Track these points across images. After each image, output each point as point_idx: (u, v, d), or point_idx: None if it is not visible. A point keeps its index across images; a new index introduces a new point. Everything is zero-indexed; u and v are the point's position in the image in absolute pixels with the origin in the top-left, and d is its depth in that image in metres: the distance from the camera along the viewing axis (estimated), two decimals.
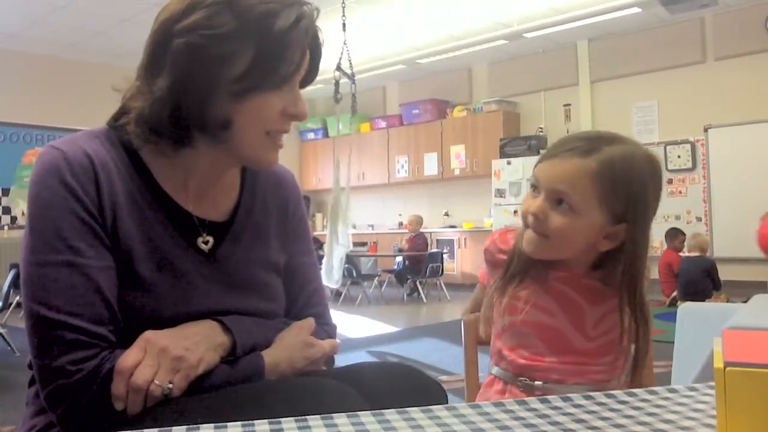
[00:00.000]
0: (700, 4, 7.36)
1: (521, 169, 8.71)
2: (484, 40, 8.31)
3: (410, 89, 10.61)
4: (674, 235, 6.92)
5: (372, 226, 10.82)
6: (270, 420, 0.62)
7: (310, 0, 0.94)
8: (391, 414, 0.63)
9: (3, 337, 5.07)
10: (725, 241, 7.54)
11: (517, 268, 1.08)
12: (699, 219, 7.78)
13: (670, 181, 7.76)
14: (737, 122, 7.56)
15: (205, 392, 0.84)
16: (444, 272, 8.66)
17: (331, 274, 6.40)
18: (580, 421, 0.61)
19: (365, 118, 10.87)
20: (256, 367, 0.90)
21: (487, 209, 9.30)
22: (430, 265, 8.31)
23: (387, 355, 4.90)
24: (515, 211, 8.60)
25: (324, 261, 6.47)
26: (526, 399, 0.69)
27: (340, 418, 0.62)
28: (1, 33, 7.84)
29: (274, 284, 1.04)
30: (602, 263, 1.06)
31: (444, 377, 4.01)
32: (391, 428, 0.59)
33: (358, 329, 6.18)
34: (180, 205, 0.95)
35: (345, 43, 6.25)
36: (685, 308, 2.11)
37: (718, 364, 0.48)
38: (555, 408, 0.66)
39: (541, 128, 9.22)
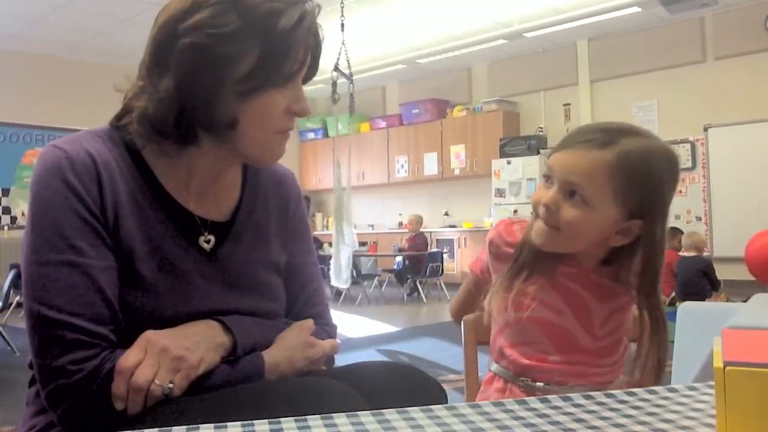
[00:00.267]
0: (699, 3, 7.36)
1: (521, 168, 8.71)
2: (483, 40, 8.31)
3: (410, 89, 10.61)
4: (672, 234, 6.91)
5: (372, 225, 10.82)
6: (270, 420, 0.62)
7: None
8: (390, 414, 0.63)
9: (3, 337, 5.07)
10: (725, 241, 7.54)
11: (525, 261, 1.05)
12: (699, 218, 7.79)
13: None
14: (737, 122, 7.56)
15: (206, 392, 0.84)
16: (444, 272, 8.66)
17: (339, 275, 6.41)
18: (579, 420, 0.61)
19: (365, 117, 10.87)
20: (257, 367, 0.90)
21: (487, 209, 9.30)
22: (430, 264, 8.31)
23: (387, 355, 4.90)
24: (515, 211, 8.60)
25: (332, 262, 6.47)
26: (526, 399, 0.69)
27: (340, 418, 0.62)
28: (0, 33, 7.84)
29: (275, 284, 1.04)
30: (613, 259, 1.04)
31: (444, 377, 4.01)
32: (391, 428, 0.59)
33: (358, 329, 6.18)
34: (181, 204, 0.95)
35: (343, 43, 6.25)
36: (685, 308, 2.11)
37: (718, 363, 0.48)
38: (555, 407, 0.66)
39: (540, 128, 9.22)
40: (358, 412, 0.63)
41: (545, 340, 1.06)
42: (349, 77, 6.33)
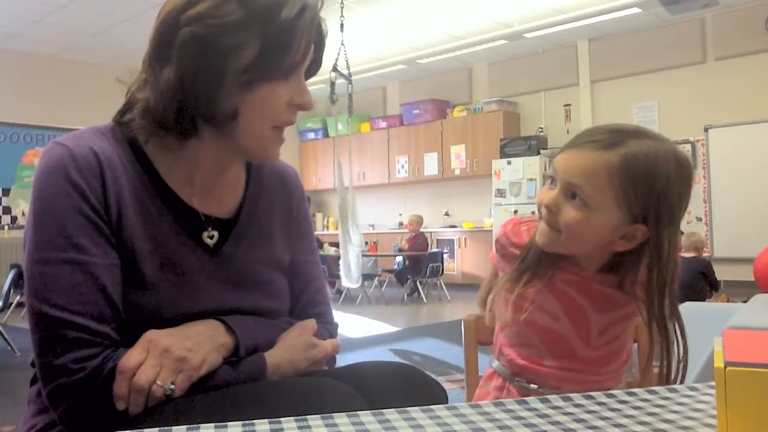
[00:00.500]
0: (700, 4, 7.36)
1: (521, 169, 8.70)
2: (484, 40, 8.31)
3: (410, 89, 10.61)
4: None
5: (372, 226, 10.81)
6: (270, 420, 0.62)
7: None
8: (391, 414, 0.63)
9: (3, 337, 5.07)
10: (725, 241, 7.54)
11: (529, 264, 1.04)
12: (699, 219, 7.78)
13: None
14: (737, 122, 7.56)
15: (207, 393, 0.84)
16: (444, 272, 8.66)
17: (349, 275, 6.41)
18: (580, 420, 0.61)
19: (365, 118, 10.88)
20: (259, 368, 0.90)
21: (488, 209, 9.30)
22: (431, 265, 8.31)
23: (387, 355, 4.90)
24: (515, 211, 8.59)
25: (341, 262, 6.48)
26: (527, 399, 0.68)
27: (341, 418, 0.62)
28: (0, 33, 7.84)
29: (279, 282, 1.04)
30: (619, 266, 1.01)
31: (444, 377, 4.01)
32: (392, 428, 0.59)
33: (358, 329, 6.18)
34: (185, 201, 0.95)
35: (342, 44, 6.25)
36: (685, 308, 2.11)
37: (719, 363, 0.48)
38: (555, 407, 0.66)
39: (541, 128, 9.22)
40: (359, 412, 0.63)
41: (540, 345, 1.06)
42: (348, 77, 6.33)
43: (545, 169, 8.54)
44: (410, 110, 10.39)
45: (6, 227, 8.47)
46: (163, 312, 0.89)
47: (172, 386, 0.82)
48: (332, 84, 6.29)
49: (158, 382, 0.81)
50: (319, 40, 0.95)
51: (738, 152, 7.52)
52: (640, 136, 0.96)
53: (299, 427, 0.59)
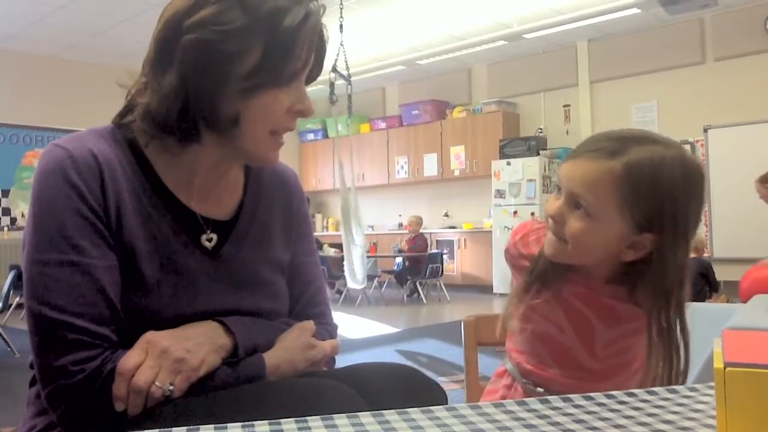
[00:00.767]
0: (699, 4, 7.36)
1: (521, 169, 8.70)
2: (483, 41, 8.32)
3: (410, 90, 10.61)
4: None
5: (372, 226, 10.82)
6: (270, 421, 0.62)
7: None
8: (391, 415, 0.63)
9: (3, 338, 5.07)
10: (725, 242, 7.55)
11: (538, 274, 1.02)
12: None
13: None
14: (737, 123, 7.57)
15: (206, 393, 0.84)
16: (444, 273, 8.67)
17: (354, 276, 6.41)
18: (580, 421, 0.61)
19: (365, 119, 10.88)
20: (258, 368, 0.90)
21: (487, 210, 9.30)
22: (430, 265, 8.31)
23: (387, 356, 4.89)
24: (515, 212, 8.60)
25: (345, 263, 6.47)
26: (526, 399, 0.68)
27: (340, 419, 0.61)
28: (0, 33, 7.84)
29: (279, 283, 1.04)
30: (630, 277, 0.98)
31: (444, 378, 4.01)
32: (391, 429, 0.59)
33: (358, 330, 6.18)
34: (184, 203, 0.95)
35: (341, 44, 6.26)
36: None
37: (718, 364, 0.48)
38: (555, 408, 0.66)
39: (540, 129, 9.22)
40: (359, 413, 0.63)
41: (546, 354, 1.06)
42: (347, 78, 6.33)
43: (545, 170, 8.54)
44: (410, 111, 10.39)
45: (5, 228, 8.47)
46: (163, 313, 0.89)
47: (171, 387, 0.82)
48: (332, 85, 6.29)
49: (157, 383, 0.81)
50: (320, 47, 0.96)
51: (737, 153, 7.53)
52: (645, 142, 0.93)
53: (299, 428, 0.59)
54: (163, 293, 0.89)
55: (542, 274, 1.02)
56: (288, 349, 0.95)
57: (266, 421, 0.61)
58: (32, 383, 0.92)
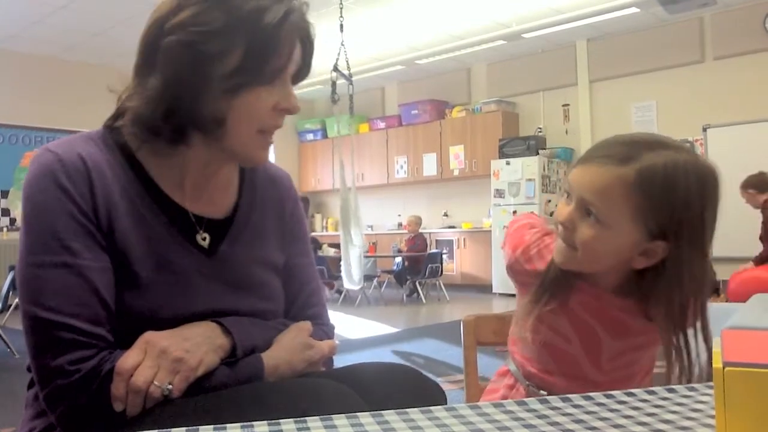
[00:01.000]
0: (698, 3, 7.37)
1: (520, 169, 8.70)
2: (482, 41, 8.32)
3: (409, 90, 10.61)
4: None
5: (371, 226, 10.81)
6: (269, 422, 0.62)
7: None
8: (390, 415, 0.63)
9: (2, 339, 5.06)
10: (724, 242, 7.52)
11: (548, 284, 1.00)
12: None
13: None
14: (736, 122, 7.56)
15: (205, 394, 0.84)
16: (443, 273, 8.66)
17: (350, 276, 6.40)
18: (579, 421, 0.61)
19: (364, 118, 10.88)
20: (256, 369, 0.90)
21: (487, 209, 9.30)
22: (430, 265, 8.31)
23: (386, 356, 4.89)
24: (514, 212, 8.59)
25: (342, 263, 6.47)
26: (526, 400, 0.68)
27: (339, 419, 0.61)
28: (0, 33, 7.83)
29: (274, 284, 1.04)
30: (640, 288, 0.95)
31: (443, 378, 4.01)
32: (390, 429, 0.59)
33: (357, 330, 6.18)
34: (178, 203, 0.95)
35: (342, 44, 6.26)
36: None
37: (717, 364, 0.48)
38: (554, 408, 0.66)
39: (540, 128, 9.22)
40: (358, 414, 0.63)
41: (551, 362, 1.05)
42: (349, 78, 6.33)
43: (544, 169, 8.54)
44: (409, 111, 10.39)
45: (5, 229, 8.47)
46: (159, 313, 0.89)
47: (170, 387, 0.82)
48: (333, 84, 6.29)
49: (156, 383, 0.81)
50: (307, 45, 0.96)
51: (737, 152, 7.52)
52: (657, 148, 0.90)
53: (298, 429, 0.59)
54: (159, 293, 0.90)
55: (552, 284, 1.00)
56: (286, 350, 0.95)
57: (265, 422, 0.61)
58: (30, 385, 0.92)
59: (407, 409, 0.64)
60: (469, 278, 9.34)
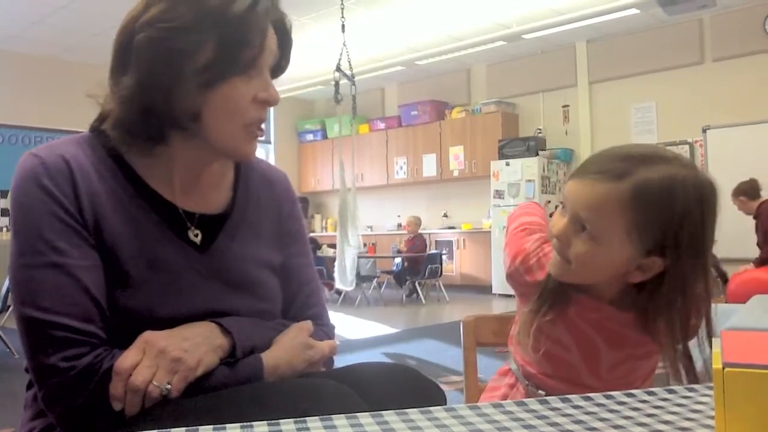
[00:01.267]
0: (698, 5, 7.37)
1: (520, 170, 8.71)
2: (482, 42, 8.32)
3: (409, 90, 10.61)
4: None
5: (371, 227, 10.82)
6: (269, 422, 0.62)
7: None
8: (389, 415, 0.63)
9: (2, 339, 5.07)
10: (724, 242, 7.51)
11: (548, 295, 1.00)
12: None
13: None
14: (736, 123, 7.57)
15: (204, 394, 0.84)
16: (443, 273, 8.66)
17: (344, 277, 6.39)
18: (579, 422, 0.61)
19: (364, 119, 10.87)
20: (256, 369, 0.90)
21: (486, 210, 9.30)
22: (429, 266, 8.31)
23: (386, 357, 4.89)
24: None
25: (336, 264, 6.46)
26: (525, 400, 0.68)
27: (339, 420, 0.61)
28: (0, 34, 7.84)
29: (270, 283, 1.04)
30: (639, 301, 0.95)
31: (443, 378, 4.01)
32: (390, 429, 0.59)
33: (357, 330, 6.18)
34: (168, 200, 0.96)
35: (344, 44, 6.26)
36: None
37: (717, 364, 0.48)
38: (554, 409, 0.66)
39: (539, 129, 9.22)
40: (357, 414, 0.63)
41: (549, 368, 1.05)
42: (351, 78, 6.33)
43: (544, 170, 8.54)
44: (409, 111, 10.39)
45: (5, 229, 8.46)
46: (153, 311, 0.89)
47: (169, 387, 0.82)
48: (336, 84, 6.29)
49: (154, 383, 0.81)
50: (282, 35, 0.96)
51: (736, 153, 7.53)
52: (652, 162, 0.89)
53: (298, 429, 0.59)
54: (151, 291, 0.90)
55: (551, 295, 1.00)
56: (286, 350, 0.95)
57: (265, 422, 0.61)
58: (29, 386, 0.93)
59: (407, 410, 0.64)
60: (468, 279, 9.34)
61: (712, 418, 0.60)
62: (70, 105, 8.66)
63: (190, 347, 0.85)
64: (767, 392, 0.45)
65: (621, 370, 1.02)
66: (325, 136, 11.39)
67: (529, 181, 8.60)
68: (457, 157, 9.79)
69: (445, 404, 0.75)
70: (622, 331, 0.98)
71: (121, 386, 0.81)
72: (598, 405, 0.67)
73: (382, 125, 10.78)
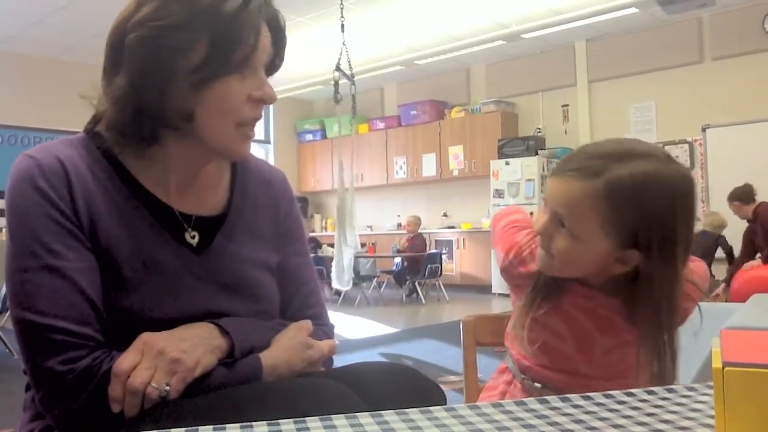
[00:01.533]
0: (697, 4, 7.37)
1: (520, 169, 8.71)
2: (482, 41, 8.32)
3: (408, 90, 10.61)
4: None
5: (371, 227, 10.82)
6: (269, 422, 0.61)
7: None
8: (389, 415, 0.63)
9: (2, 340, 5.06)
10: (729, 243, 7.55)
11: (540, 288, 1.03)
12: (697, 219, 7.78)
13: None
14: (735, 122, 7.57)
15: (203, 395, 0.84)
16: (443, 273, 8.67)
17: (341, 277, 6.39)
18: (578, 421, 0.61)
19: (363, 119, 10.87)
20: (254, 369, 0.90)
21: (486, 210, 9.30)
22: (429, 265, 8.31)
23: (386, 356, 4.89)
24: None
25: (333, 263, 6.46)
26: (525, 399, 0.68)
27: (339, 420, 0.61)
28: None
29: (267, 284, 1.03)
30: (625, 289, 0.98)
31: (443, 378, 4.01)
32: (390, 429, 0.59)
33: (357, 330, 6.18)
34: (164, 202, 0.95)
35: (344, 44, 6.26)
36: None
37: (717, 364, 0.48)
38: (554, 408, 0.66)
39: (539, 129, 9.22)
40: (357, 414, 0.63)
41: (545, 358, 1.06)
42: (351, 78, 6.33)
43: (543, 170, 8.54)
44: (408, 111, 10.39)
45: (3, 230, 8.46)
46: (150, 313, 0.89)
47: (167, 388, 0.82)
48: (336, 84, 6.29)
49: (153, 384, 0.81)
50: (276, 33, 0.95)
51: (736, 152, 7.53)
52: (628, 158, 0.91)
53: (297, 429, 0.59)
54: (148, 293, 0.89)
55: (544, 287, 1.03)
56: (285, 349, 0.94)
57: (265, 422, 0.61)
58: (28, 388, 0.93)
59: (407, 410, 0.64)
60: (468, 278, 9.34)
61: (711, 417, 0.60)
62: (70, 106, 8.64)
63: (189, 348, 0.85)
64: (767, 391, 0.45)
65: (614, 357, 1.03)
66: (324, 136, 11.39)
67: (529, 180, 8.60)
68: (456, 156, 9.79)
69: (445, 404, 0.75)
70: (613, 317, 1.01)
71: (120, 388, 0.81)
72: (598, 404, 0.67)
73: (381, 125, 10.78)
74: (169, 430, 0.60)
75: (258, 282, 1.02)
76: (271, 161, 10.79)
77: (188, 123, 0.90)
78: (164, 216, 0.95)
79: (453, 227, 9.84)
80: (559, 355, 1.05)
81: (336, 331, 1.13)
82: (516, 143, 8.91)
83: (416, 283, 8.67)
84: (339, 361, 1.05)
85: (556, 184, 0.97)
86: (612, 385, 0.99)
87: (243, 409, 0.78)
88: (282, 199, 1.11)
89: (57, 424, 0.84)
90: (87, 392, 0.81)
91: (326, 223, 11.57)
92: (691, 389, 0.73)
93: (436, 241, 9.72)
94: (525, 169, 8.65)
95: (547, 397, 0.69)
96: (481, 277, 9.16)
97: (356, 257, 8.46)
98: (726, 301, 5.51)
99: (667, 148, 8.00)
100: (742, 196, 5.85)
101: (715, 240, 6.16)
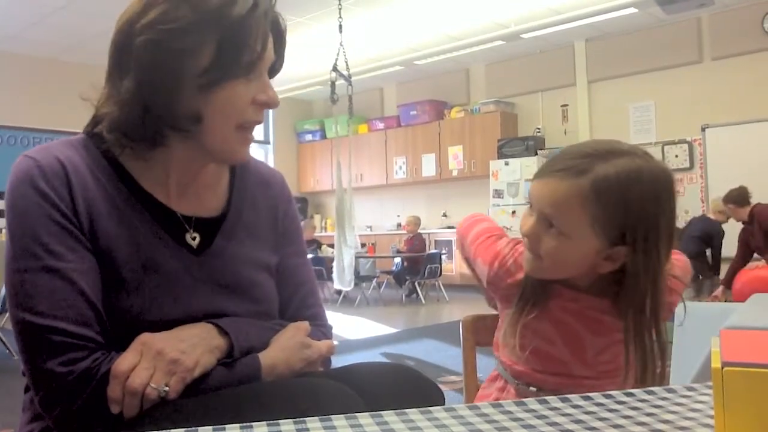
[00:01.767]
0: (696, 3, 7.37)
1: (519, 169, 8.71)
2: (481, 41, 8.32)
3: (408, 90, 10.61)
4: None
5: (370, 227, 10.82)
6: (268, 422, 0.61)
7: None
8: (389, 415, 0.63)
9: (2, 340, 5.06)
10: (723, 241, 7.54)
11: (528, 294, 1.04)
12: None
13: None
14: (734, 122, 7.57)
15: (202, 395, 0.84)
16: (442, 273, 8.66)
17: (342, 277, 6.40)
18: (578, 421, 0.61)
19: (363, 119, 10.88)
20: (253, 369, 0.90)
21: (485, 210, 9.29)
22: (429, 266, 8.31)
23: (386, 357, 4.89)
24: (513, 212, 8.60)
25: (334, 264, 6.46)
26: (525, 400, 0.68)
27: (339, 420, 0.61)
28: None
29: (266, 285, 1.04)
30: (612, 288, 0.99)
31: (442, 378, 4.01)
32: (389, 429, 0.59)
33: (356, 331, 6.18)
34: (163, 203, 0.95)
35: (341, 45, 6.26)
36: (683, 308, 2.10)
37: (716, 364, 0.48)
38: (553, 409, 0.66)
39: (538, 129, 9.22)
40: (357, 414, 0.63)
41: (537, 363, 1.06)
42: (348, 78, 6.33)
43: None
44: (408, 111, 10.39)
45: (3, 230, 8.45)
46: (149, 314, 0.89)
47: (166, 388, 0.82)
48: (332, 84, 6.29)
49: (152, 385, 0.81)
50: (277, 36, 0.96)
51: (735, 152, 7.53)
52: (612, 157, 0.94)
53: (297, 429, 0.59)
54: (147, 294, 0.89)
55: (531, 293, 1.03)
56: (283, 349, 0.94)
57: (265, 422, 0.61)
58: (27, 389, 0.93)
59: (406, 410, 0.64)
60: (468, 279, 9.30)
61: (711, 417, 0.60)
62: (70, 106, 8.60)
63: (188, 348, 0.85)
64: (767, 391, 0.45)
65: (607, 356, 1.04)
66: (324, 137, 11.38)
67: (528, 180, 8.58)
68: (456, 156, 9.79)
69: (444, 404, 0.75)
70: (602, 318, 1.02)
71: (119, 389, 0.81)
72: (598, 404, 0.67)
73: (381, 125, 10.78)
74: (168, 430, 0.60)
75: (257, 283, 1.02)
76: (271, 161, 10.80)
77: (196, 125, 0.90)
78: (164, 217, 0.95)
79: (453, 227, 9.83)
80: (551, 359, 1.05)
81: (336, 331, 1.13)
82: (515, 143, 8.91)
83: (416, 284, 8.67)
84: (339, 362, 1.04)
85: (541, 186, 0.98)
86: (604, 384, 1.00)
87: (242, 409, 0.78)
88: (280, 200, 1.11)
89: (56, 425, 0.83)
90: (86, 393, 0.81)
91: (326, 223, 11.57)
92: (690, 389, 0.73)
93: (435, 241, 9.72)
94: (524, 169, 8.65)
95: (546, 398, 0.69)
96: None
97: (357, 257, 8.48)
98: (726, 302, 5.51)
99: (666, 147, 7.95)
100: (737, 199, 5.85)
101: (717, 229, 6.12)
